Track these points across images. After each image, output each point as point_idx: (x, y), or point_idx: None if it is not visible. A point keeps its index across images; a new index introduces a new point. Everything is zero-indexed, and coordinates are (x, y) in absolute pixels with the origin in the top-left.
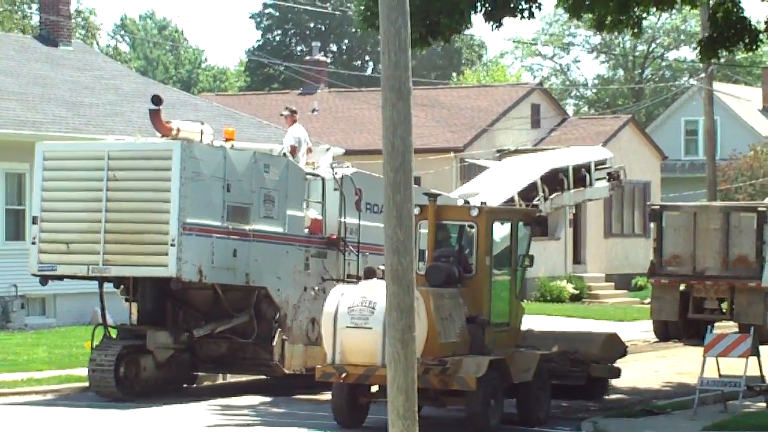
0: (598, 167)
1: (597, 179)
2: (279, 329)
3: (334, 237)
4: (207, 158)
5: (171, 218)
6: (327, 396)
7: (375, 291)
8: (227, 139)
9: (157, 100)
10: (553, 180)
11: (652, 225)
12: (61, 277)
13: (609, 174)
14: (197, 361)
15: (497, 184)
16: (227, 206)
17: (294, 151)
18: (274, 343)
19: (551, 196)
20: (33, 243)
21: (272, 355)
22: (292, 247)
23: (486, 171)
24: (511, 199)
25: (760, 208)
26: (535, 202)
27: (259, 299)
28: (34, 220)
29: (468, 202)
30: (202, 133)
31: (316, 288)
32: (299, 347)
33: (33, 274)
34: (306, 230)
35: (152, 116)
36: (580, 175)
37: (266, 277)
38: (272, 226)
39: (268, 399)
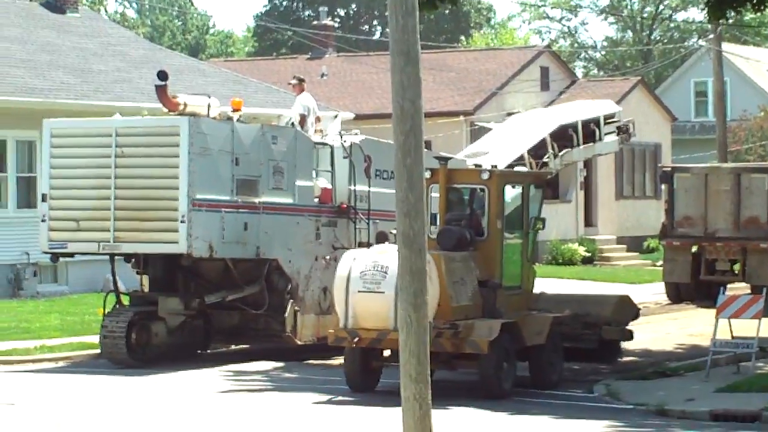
0: (608, 121)
1: (606, 133)
2: (291, 300)
3: (344, 205)
4: (214, 133)
5: (180, 194)
6: (339, 360)
7: (387, 255)
8: (234, 110)
9: (163, 75)
10: (563, 136)
11: (663, 187)
12: (71, 254)
13: (618, 128)
14: (209, 327)
15: (506, 142)
16: (236, 180)
17: (303, 120)
18: (286, 314)
19: (561, 153)
20: (43, 221)
21: (284, 327)
22: (302, 217)
23: (494, 129)
24: (521, 158)
25: None
26: (544, 159)
27: (270, 271)
28: (44, 198)
29: (479, 165)
30: (209, 106)
31: (328, 257)
32: (311, 317)
33: (44, 252)
34: (316, 200)
35: (158, 92)
36: (589, 130)
37: (277, 249)
38: (282, 198)
39: (280, 364)
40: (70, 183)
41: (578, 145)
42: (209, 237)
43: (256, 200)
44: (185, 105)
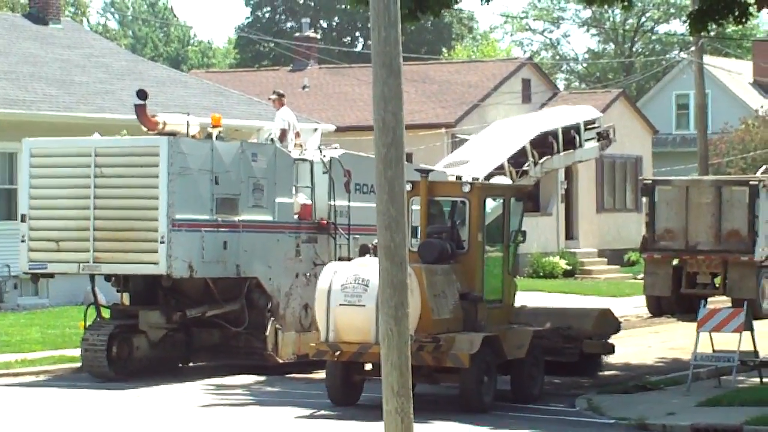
0: (588, 127)
1: (587, 140)
2: (272, 318)
3: (324, 221)
4: (194, 152)
5: (160, 215)
6: (321, 374)
7: (368, 268)
8: (214, 125)
9: (142, 94)
10: (543, 143)
11: (644, 200)
12: (51, 275)
13: (598, 134)
14: (191, 341)
15: (486, 151)
16: (216, 199)
17: (283, 135)
18: (267, 333)
19: (541, 161)
20: (22, 241)
21: (265, 344)
22: (283, 234)
23: (475, 136)
24: (501, 166)
25: (752, 182)
26: (524, 167)
27: (251, 288)
28: (23, 218)
29: (460, 178)
30: (188, 124)
31: (308, 274)
32: (291, 334)
33: (24, 273)
34: (296, 216)
35: (138, 111)
36: (570, 137)
37: (257, 267)
38: (262, 215)
39: (261, 378)
40: (50, 203)
41: (558, 152)
42: (189, 257)
43: (236, 218)
44: (164, 124)
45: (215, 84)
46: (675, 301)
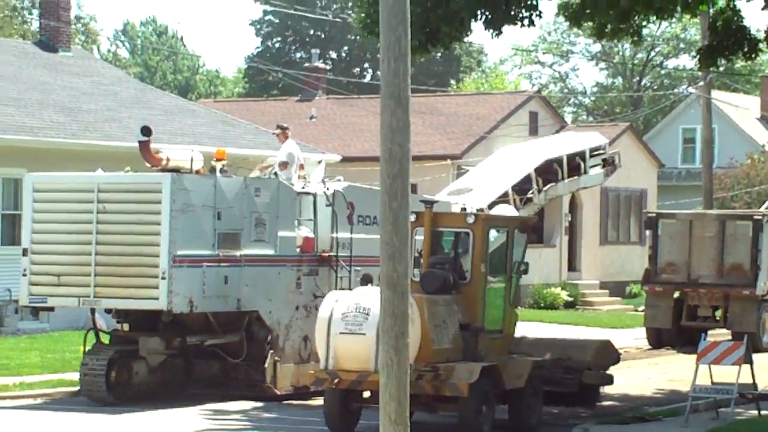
0: (593, 154)
1: (591, 166)
2: (271, 351)
3: (326, 254)
4: (197, 188)
5: (161, 251)
6: (319, 401)
7: (369, 297)
8: (218, 159)
9: (146, 131)
10: (548, 170)
11: (647, 232)
12: (51, 308)
13: (604, 160)
14: (190, 367)
15: (490, 178)
16: (218, 234)
17: (284, 166)
18: (266, 365)
19: (545, 188)
20: (24, 275)
21: (264, 376)
22: (284, 267)
23: (480, 164)
24: (505, 194)
25: (755, 217)
26: (529, 195)
27: (251, 321)
28: (24, 252)
29: (464, 209)
30: (192, 160)
31: (308, 306)
32: (290, 366)
33: (24, 306)
34: (298, 249)
35: (141, 147)
36: (575, 164)
37: (258, 301)
38: (264, 249)
39: (260, 404)
40: (52, 237)
41: (563, 179)
42: (190, 292)
43: (238, 253)
44: (168, 160)
45: (223, 113)
46: (675, 333)
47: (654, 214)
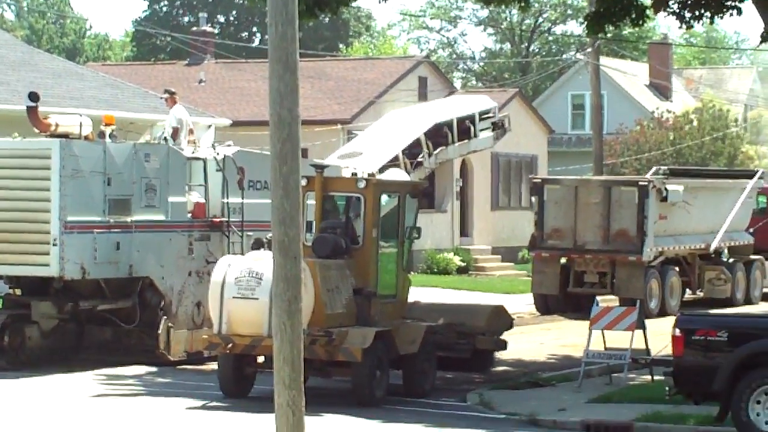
0: (483, 117)
1: (481, 130)
2: (164, 317)
3: (217, 220)
4: (86, 154)
5: (52, 218)
6: (213, 366)
7: (262, 262)
8: (107, 124)
9: (34, 96)
10: (438, 134)
11: (533, 198)
12: None
13: (493, 123)
14: (83, 331)
15: (380, 142)
16: (108, 200)
17: (175, 133)
18: (160, 331)
19: (436, 152)
20: None
21: (158, 343)
22: (175, 233)
23: (369, 128)
24: (396, 158)
25: (641, 183)
26: (419, 159)
27: (144, 287)
28: None
29: (355, 173)
30: (81, 125)
31: (201, 271)
32: (183, 332)
33: None
34: (189, 215)
35: (29, 113)
36: (465, 127)
37: (150, 267)
38: (154, 215)
39: (153, 369)
40: None
41: (453, 142)
42: (81, 259)
43: (129, 219)
44: (57, 125)
45: (111, 77)
46: (562, 299)
47: (539, 180)
